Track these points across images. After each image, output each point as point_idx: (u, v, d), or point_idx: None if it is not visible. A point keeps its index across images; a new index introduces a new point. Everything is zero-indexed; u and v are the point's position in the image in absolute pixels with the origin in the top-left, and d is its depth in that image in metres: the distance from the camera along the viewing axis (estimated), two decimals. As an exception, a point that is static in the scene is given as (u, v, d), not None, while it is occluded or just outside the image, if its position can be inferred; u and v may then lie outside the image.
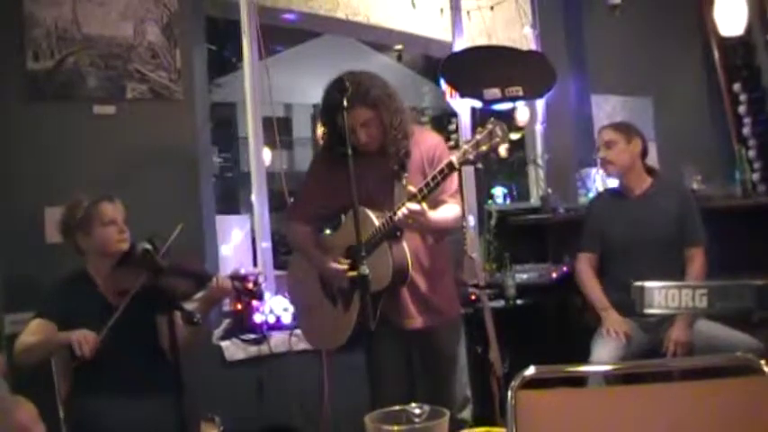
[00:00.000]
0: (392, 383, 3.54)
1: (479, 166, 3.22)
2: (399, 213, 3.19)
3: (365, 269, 2.97)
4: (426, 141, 3.54)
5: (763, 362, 2.25)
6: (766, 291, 2.92)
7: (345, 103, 3.18)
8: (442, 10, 6.24)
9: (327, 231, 3.78)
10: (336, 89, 3.26)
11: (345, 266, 3.41)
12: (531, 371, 2.09)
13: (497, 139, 3.06)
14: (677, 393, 2.32)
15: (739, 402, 2.20)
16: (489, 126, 3.08)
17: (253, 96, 5.23)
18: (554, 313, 4.99)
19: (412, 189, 3.22)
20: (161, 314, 3.35)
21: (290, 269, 3.92)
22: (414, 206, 3.17)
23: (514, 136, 6.76)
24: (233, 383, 4.42)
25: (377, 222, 3.32)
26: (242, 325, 4.68)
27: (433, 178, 3.18)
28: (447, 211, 3.43)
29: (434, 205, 3.35)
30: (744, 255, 4.12)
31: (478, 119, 6.42)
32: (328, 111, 3.40)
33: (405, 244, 3.36)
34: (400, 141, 3.43)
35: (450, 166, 3.14)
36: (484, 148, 3.07)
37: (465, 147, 3.11)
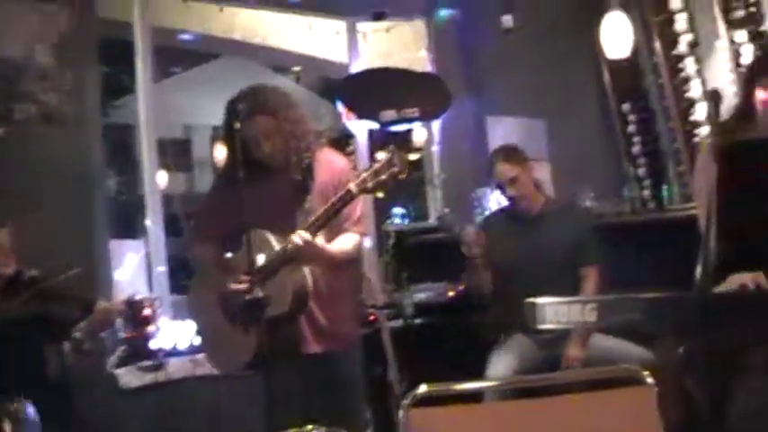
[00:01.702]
0: (290, 408, 3.49)
1: (380, 195, 3.21)
2: (290, 247, 3.17)
3: (259, 292, 2.96)
4: (332, 164, 3.49)
5: (646, 373, 2.33)
6: (653, 304, 3.03)
7: (245, 114, 3.19)
8: (338, 32, 6.29)
9: (229, 254, 3.73)
10: (236, 103, 3.25)
11: (245, 287, 3.35)
12: (422, 389, 2.11)
13: (395, 169, 3.05)
14: (566, 406, 2.39)
15: (624, 412, 2.28)
16: (388, 155, 3.07)
17: (147, 118, 5.17)
18: (452, 331, 5.02)
19: (309, 220, 3.20)
20: (49, 344, 3.26)
21: (193, 290, 3.85)
22: (307, 237, 3.15)
23: (413, 156, 6.82)
24: (129, 412, 4.33)
25: (277, 246, 3.27)
26: (138, 351, 4.58)
27: (332, 206, 3.17)
28: (345, 242, 3.40)
29: (336, 233, 3.33)
30: (633, 269, 4.22)
31: (376, 140, 6.48)
32: (229, 126, 3.32)
33: (306, 270, 3.31)
34: (303, 152, 3.39)
35: (349, 194, 3.13)
36: (383, 177, 3.06)
37: (363, 175, 3.10)
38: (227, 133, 3.40)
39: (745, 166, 2.18)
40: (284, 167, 3.40)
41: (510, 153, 4.34)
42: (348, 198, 3.15)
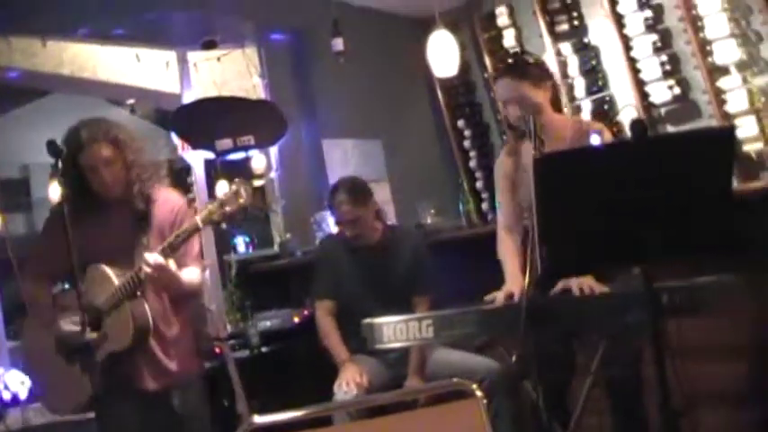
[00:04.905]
0: None
1: (224, 226, 3.22)
2: (146, 268, 3.11)
3: (91, 334, 2.89)
4: (170, 202, 3.45)
5: (474, 386, 2.40)
6: (484, 316, 3.14)
7: (85, 142, 3.17)
8: (167, 63, 6.23)
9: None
10: (76, 132, 3.21)
11: (79, 328, 3.20)
12: (253, 420, 2.11)
13: (242, 201, 3.06)
14: (404, 423, 2.44)
15: (457, 424, 2.35)
16: (234, 187, 3.08)
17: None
18: (301, 356, 5.01)
19: (156, 250, 3.16)
20: None
21: (26, 330, 3.68)
22: (161, 259, 3.12)
23: (257, 183, 6.82)
24: (-35, 469, 4.14)
25: (116, 281, 3.21)
26: (-26, 403, 4.39)
27: (177, 237, 3.15)
28: (191, 275, 3.39)
29: (178, 268, 3.28)
30: (470, 282, 4.29)
31: (219, 169, 6.45)
32: (67, 156, 3.20)
33: (146, 305, 3.25)
34: (145, 182, 3.34)
35: (195, 227, 3.13)
36: (228, 208, 3.06)
37: (210, 207, 3.10)
38: (64, 164, 3.25)
39: (554, 178, 2.28)
40: (125, 198, 3.34)
41: (355, 195, 4.25)
42: (194, 230, 3.16)
